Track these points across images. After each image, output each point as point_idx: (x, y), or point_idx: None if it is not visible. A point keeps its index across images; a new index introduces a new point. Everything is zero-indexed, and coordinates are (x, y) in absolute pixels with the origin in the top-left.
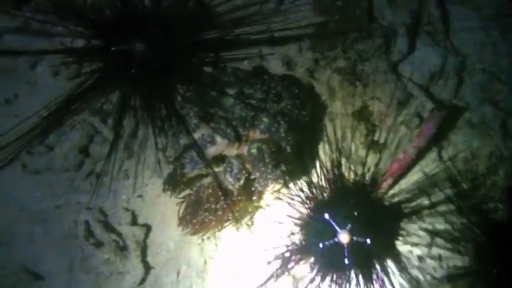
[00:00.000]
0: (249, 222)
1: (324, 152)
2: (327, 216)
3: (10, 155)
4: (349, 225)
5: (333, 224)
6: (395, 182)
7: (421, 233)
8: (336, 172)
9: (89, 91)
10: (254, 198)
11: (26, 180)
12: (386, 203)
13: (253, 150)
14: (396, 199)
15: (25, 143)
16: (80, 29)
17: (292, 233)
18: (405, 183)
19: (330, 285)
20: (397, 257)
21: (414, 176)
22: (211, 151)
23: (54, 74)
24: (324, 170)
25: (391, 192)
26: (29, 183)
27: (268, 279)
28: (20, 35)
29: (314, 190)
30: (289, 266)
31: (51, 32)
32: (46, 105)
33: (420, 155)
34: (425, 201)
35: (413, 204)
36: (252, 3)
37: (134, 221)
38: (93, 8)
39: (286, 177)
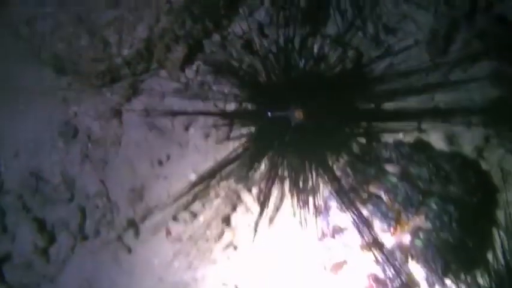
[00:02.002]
0: None
1: (497, 250)
2: None
3: (158, 221)
4: None
5: None
6: None
7: None
8: None
9: (238, 157)
10: None
11: (167, 248)
12: None
13: (419, 242)
14: None
15: (173, 208)
16: (236, 92)
17: None
18: None
19: None
20: None
21: None
22: (366, 236)
23: (205, 136)
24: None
25: None
26: (170, 250)
27: None
28: (179, 97)
29: None
30: None
31: (207, 94)
32: (195, 170)
33: None
34: None
35: None
36: (416, 71)
37: None
38: (251, 71)
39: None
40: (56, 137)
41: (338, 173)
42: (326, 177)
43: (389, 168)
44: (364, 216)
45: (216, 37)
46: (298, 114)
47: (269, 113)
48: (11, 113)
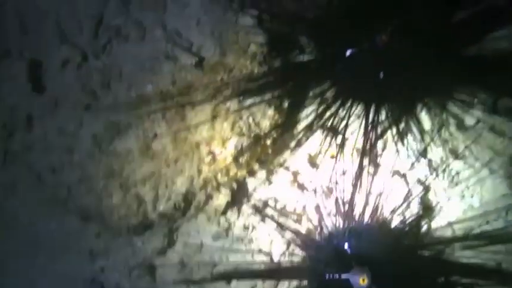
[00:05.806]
0: None
1: None
2: None
3: None
4: None
5: None
6: None
7: None
8: None
9: None
10: None
11: None
12: None
13: None
14: None
15: None
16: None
17: None
18: None
19: None
20: None
21: None
22: None
23: None
24: None
25: None
26: None
27: None
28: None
29: None
30: None
31: (251, 237)
32: None
33: None
34: None
35: None
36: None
37: None
38: None
39: None
40: None
41: None
42: None
43: None
44: None
45: (262, 174)
46: (362, 280)
47: None
48: (28, 267)
